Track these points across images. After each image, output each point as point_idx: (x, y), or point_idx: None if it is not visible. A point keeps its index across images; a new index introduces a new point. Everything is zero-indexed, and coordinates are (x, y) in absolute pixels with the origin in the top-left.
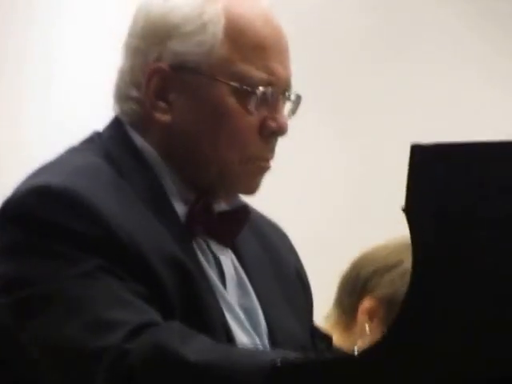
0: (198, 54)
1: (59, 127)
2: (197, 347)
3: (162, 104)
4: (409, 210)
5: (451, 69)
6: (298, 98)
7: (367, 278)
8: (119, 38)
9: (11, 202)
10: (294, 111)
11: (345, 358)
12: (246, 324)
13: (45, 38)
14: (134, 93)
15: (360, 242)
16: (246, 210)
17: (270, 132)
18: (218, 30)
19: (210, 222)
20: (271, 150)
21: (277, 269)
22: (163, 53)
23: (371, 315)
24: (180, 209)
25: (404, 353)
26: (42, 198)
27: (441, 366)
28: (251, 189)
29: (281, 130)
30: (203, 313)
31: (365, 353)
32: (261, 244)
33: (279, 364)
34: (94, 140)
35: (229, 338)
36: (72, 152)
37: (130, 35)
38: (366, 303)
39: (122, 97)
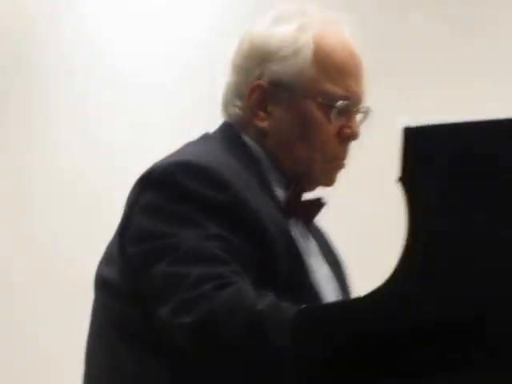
0: (292, 74)
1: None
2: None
3: (261, 113)
4: (402, 179)
5: None
6: (368, 110)
7: None
8: None
9: (155, 171)
10: (363, 121)
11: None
12: (329, 286)
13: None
14: (238, 102)
15: None
16: (322, 200)
17: (346, 137)
18: (308, 54)
19: (300, 207)
20: (346, 152)
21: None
22: (263, 72)
23: None
24: (279, 193)
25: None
26: (182, 170)
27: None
28: (330, 182)
29: (354, 136)
30: (300, 274)
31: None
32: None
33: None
34: (209, 137)
35: (316, 295)
36: (194, 143)
37: (236, 55)
38: None
39: (228, 104)
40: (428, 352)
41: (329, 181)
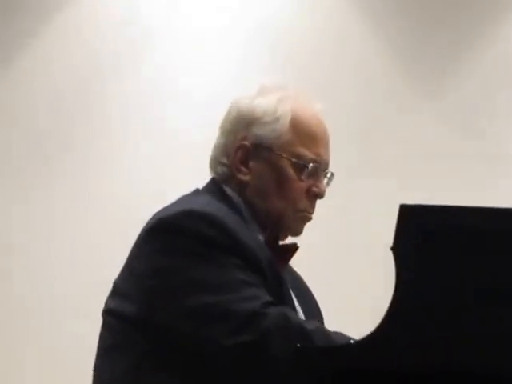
0: (271, 138)
1: None
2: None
3: (244, 169)
4: (395, 250)
5: None
6: (332, 175)
7: None
8: None
9: (163, 220)
10: (328, 183)
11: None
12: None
13: None
14: (225, 160)
15: None
16: (296, 245)
17: (314, 195)
18: (286, 122)
19: (275, 251)
20: (313, 207)
21: (303, 291)
22: (247, 134)
23: None
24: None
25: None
26: (190, 218)
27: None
28: (298, 232)
29: (321, 195)
30: (285, 301)
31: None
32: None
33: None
34: (199, 191)
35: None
36: (189, 196)
37: (225, 121)
38: None
39: (216, 162)
40: None
41: (297, 231)
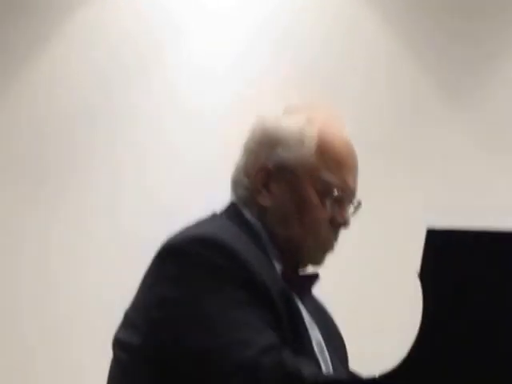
0: (296, 161)
1: None
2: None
3: (264, 192)
4: (422, 276)
5: None
6: (359, 204)
7: None
8: None
9: (175, 244)
10: (355, 212)
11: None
12: (319, 348)
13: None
14: (246, 181)
15: None
16: (317, 275)
17: (338, 224)
18: (312, 145)
19: (294, 280)
20: (336, 237)
21: (325, 320)
22: (270, 155)
23: None
24: (277, 267)
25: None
26: (199, 244)
27: None
28: (318, 263)
29: (345, 224)
30: (301, 335)
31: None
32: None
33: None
34: (216, 215)
35: (313, 351)
36: (205, 220)
37: (248, 140)
38: None
39: (237, 183)
40: None
41: (317, 262)
